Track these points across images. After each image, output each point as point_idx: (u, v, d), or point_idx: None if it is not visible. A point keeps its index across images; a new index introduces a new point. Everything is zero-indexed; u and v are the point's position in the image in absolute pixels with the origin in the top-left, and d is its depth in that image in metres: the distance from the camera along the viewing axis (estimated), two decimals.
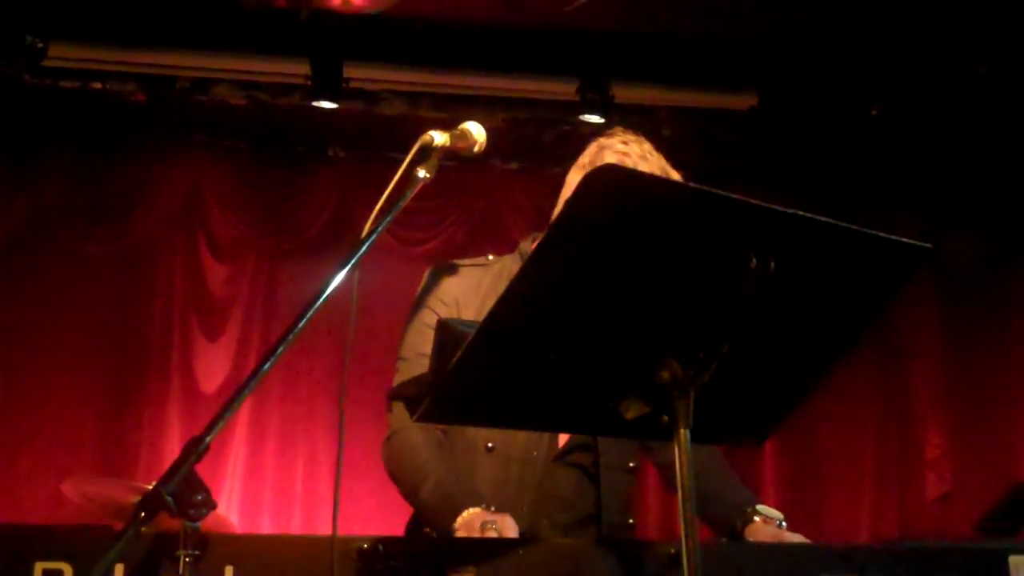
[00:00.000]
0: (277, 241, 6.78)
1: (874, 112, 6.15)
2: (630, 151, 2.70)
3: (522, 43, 5.77)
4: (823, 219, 1.64)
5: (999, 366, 7.25)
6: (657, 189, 1.47)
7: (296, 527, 6.33)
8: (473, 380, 1.60)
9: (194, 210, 6.69)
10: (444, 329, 1.69)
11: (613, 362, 1.69)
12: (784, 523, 2.56)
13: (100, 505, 4.82)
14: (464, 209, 6.76)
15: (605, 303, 1.61)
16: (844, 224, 1.67)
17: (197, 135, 6.56)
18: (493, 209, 6.85)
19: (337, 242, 6.69)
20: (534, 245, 2.79)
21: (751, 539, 2.53)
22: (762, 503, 2.63)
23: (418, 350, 2.66)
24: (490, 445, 2.60)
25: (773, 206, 1.60)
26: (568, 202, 1.46)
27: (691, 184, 1.49)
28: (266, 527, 6.29)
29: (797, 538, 2.49)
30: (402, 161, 2.34)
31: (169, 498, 1.75)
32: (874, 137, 6.33)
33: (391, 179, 2.33)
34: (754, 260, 1.62)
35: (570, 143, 2.84)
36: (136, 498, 4.53)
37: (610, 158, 2.71)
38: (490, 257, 2.86)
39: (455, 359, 1.55)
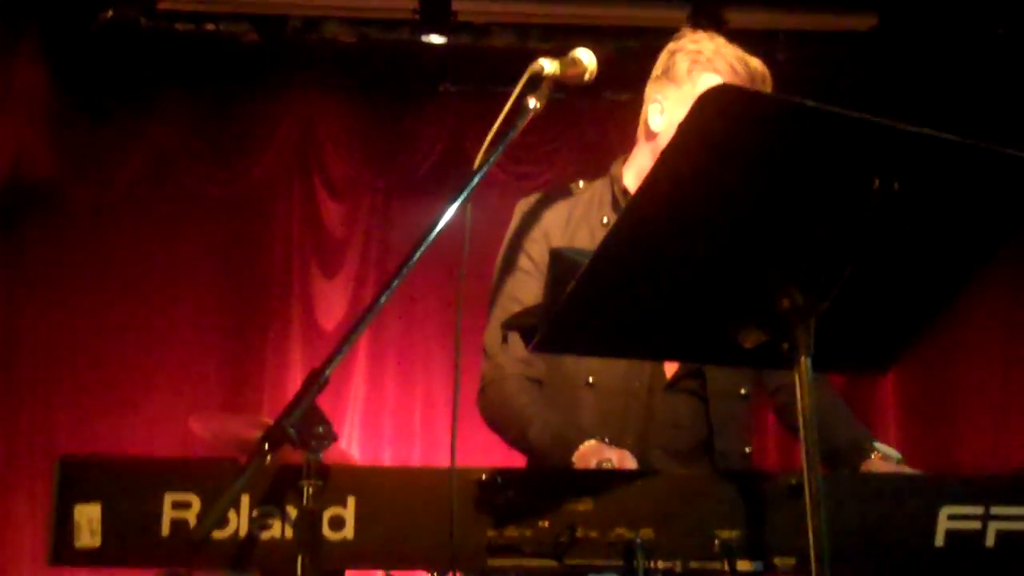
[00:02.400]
0: (391, 178, 6.81)
1: (1000, 31, 5.89)
2: (702, 48, 2.64)
3: None
4: (948, 136, 1.57)
5: None
6: (773, 109, 1.42)
7: (416, 461, 6.43)
8: (588, 309, 1.59)
9: (309, 149, 6.75)
10: (558, 258, 1.67)
11: (730, 289, 1.66)
12: (902, 460, 2.51)
13: (226, 440, 4.95)
14: (576, 141, 6.70)
15: (721, 228, 1.58)
16: (970, 141, 1.61)
17: (309, 74, 6.60)
18: (605, 141, 6.76)
19: (449, 177, 6.70)
20: (623, 168, 2.77)
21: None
22: (877, 439, 2.58)
23: (511, 295, 2.65)
24: (591, 380, 2.57)
25: (895, 124, 1.54)
26: (681, 125, 1.43)
27: (808, 103, 1.44)
28: (387, 460, 6.40)
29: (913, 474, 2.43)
30: (511, 93, 2.32)
31: (292, 430, 1.79)
32: (1000, 57, 6.07)
33: (500, 111, 2.31)
34: (877, 181, 1.57)
35: None
36: (261, 433, 4.64)
37: (682, 62, 2.65)
38: (580, 184, 2.82)
39: (569, 288, 1.54)
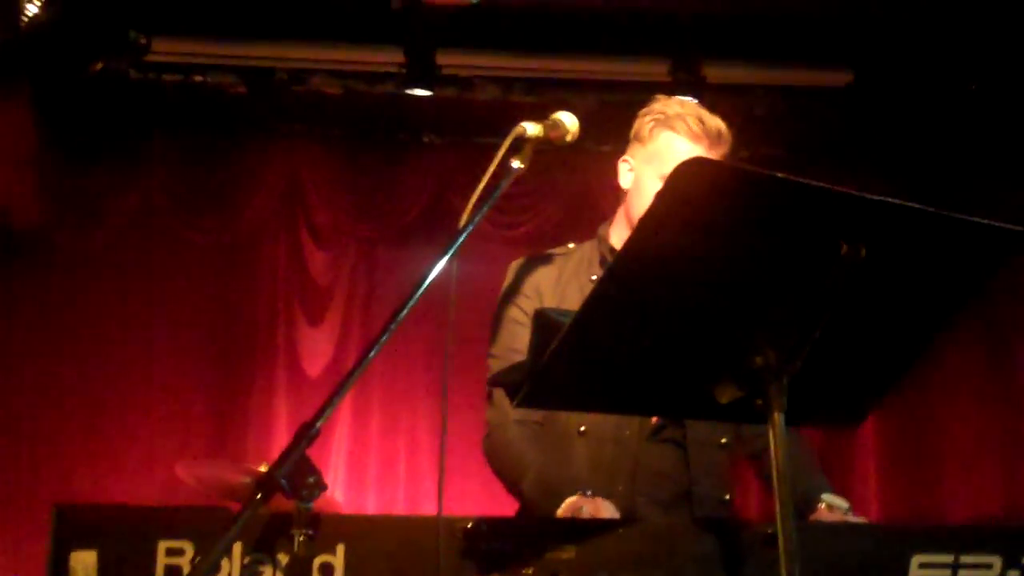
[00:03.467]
0: (375, 227, 6.89)
1: (972, 87, 6.03)
2: (665, 109, 2.84)
3: (612, 26, 5.78)
4: (913, 205, 1.66)
5: None
6: (744, 180, 1.51)
7: (400, 507, 6.47)
8: (569, 367, 1.66)
9: (294, 199, 6.83)
10: (541, 318, 1.75)
11: (706, 348, 1.74)
12: (850, 512, 2.59)
13: (212, 487, 4.99)
14: (557, 193, 6.80)
15: (696, 291, 1.66)
16: (935, 209, 1.69)
17: (295, 125, 6.69)
18: (586, 192, 6.86)
19: (434, 227, 6.79)
20: (610, 228, 2.89)
21: None
22: (833, 491, 2.65)
23: (509, 346, 2.77)
24: (582, 429, 2.69)
25: (862, 193, 1.63)
26: (657, 195, 1.52)
27: (778, 174, 1.53)
28: (371, 506, 6.44)
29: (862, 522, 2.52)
30: (496, 147, 2.41)
31: (283, 481, 1.85)
32: (973, 112, 6.21)
33: (485, 165, 2.40)
34: (844, 247, 1.66)
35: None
36: (246, 479, 4.68)
37: (647, 123, 2.87)
38: (571, 245, 2.95)
39: (552, 347, 1.62)
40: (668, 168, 2.62)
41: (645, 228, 1.54)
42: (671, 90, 5.86)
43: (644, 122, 2.88)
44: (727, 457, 2.84)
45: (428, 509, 6.43)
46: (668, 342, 1.70)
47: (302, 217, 6.85)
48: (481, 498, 5.16)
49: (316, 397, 6.63)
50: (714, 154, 2.77)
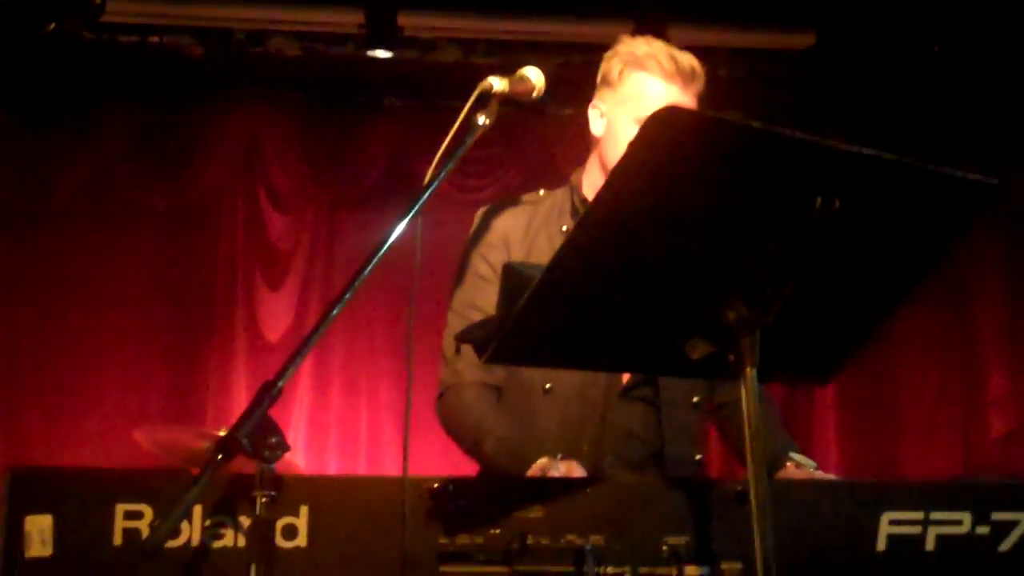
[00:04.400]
0: (335, 191, 6.83)
1: (936, 48, 6.03)
2: (633, 49, 2.77)
3: None
4: (888, 156, 1.63)
5: None
6: (719, 130, 1.47)
7: (361, 469, 6.44)
8: (539, 322, 1.62)
9: (253, 162, 6.74)
10: (510, 272, 1.71)
11: (678, 303, 1.71)
12: (817, 471, 2.57)
13: (172, 451, 4.93)
14: (519, 155, 6.76)
15: (669, 244, 1.63)
16: (910, 161, 1.67)
17: (254, 87, 6.59)
18: (548, 156, 6.82)
19: (395, 191, 6.73)
20: (583, 176, 2.83)
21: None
22: (800, 447, 2.64)
23: (468, 302, 2.70)
24: (547, 387, 2.62)
25: (837, 144, 1.60)
26: (629, 145, 1.48)
27: (753, 123, 1.49)
28: (332, 469, 6.40)
29: (831, 479, 2.51)
30: (458, 109, 2.36)
31: (245, 441, 1.81)
32: (936, 74, 6.21)
33: (447, 127, 2.36)
34: (819, 199, 1.63)
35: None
36: (206, 444, 4.62)
37: (616, 66, 2.79)
38: (541, 192, 2.88)
39: (522, 302, 1.58)
40: (642, 110, 2.62)
41: (617, 179, 1.50)
42: None
43: (612, 64, 2.78)
44: (699, 416, 2.79)
45: (390, 471, 6.39)
46: (639, 296, 1.66)
47: (261, 181, 6.77)
48: (445, 458, 5.11)
49: (276, 362, 6.51)
50: (689, 92, 2.70)
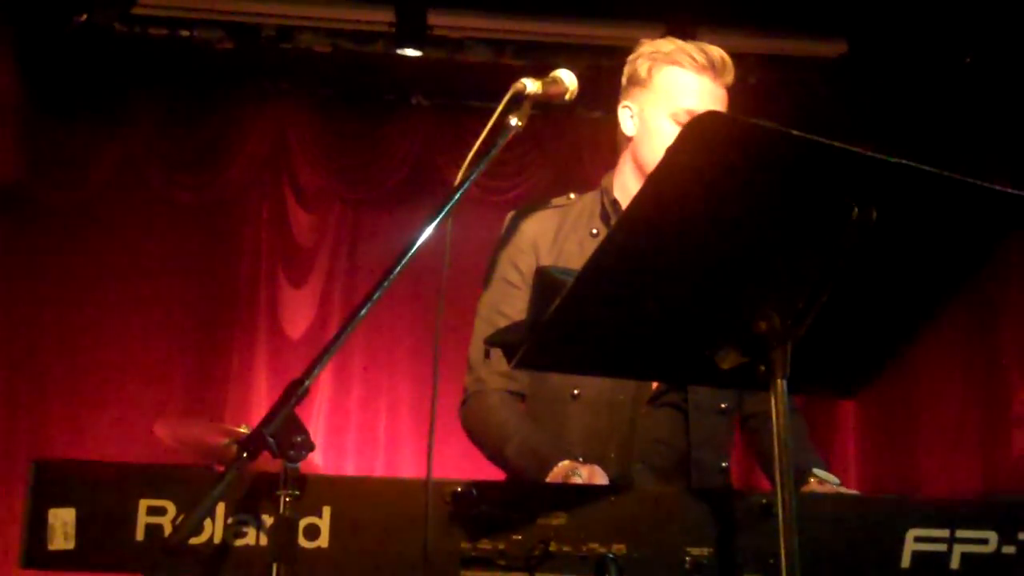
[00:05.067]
0: (361, 189, 6.83)
1: (967, 60, 5.99)
2: (659, 47, 2.74)
3: None
4: (927, 168, 1.61)
5: None
6: (759, 136, 1.45)
7: (379, 471, 6.43)
8: (570, 327, 1.61)
9: (279, 158, 6.76)
10: (543, 276, 1.70)
11: (710, 311, 1.69)
12: (841, 487, 2.54)
13: (191, 446, 4.93)
14: (547, 158, 6.74)
15: (704, 251, 1.61)
16: (948, 173, 1.64)
17: (282, 83, 6.61)
18: (576, 158, 6.82)
19: (420, 190, 6.73)
20: (613, 179, 2.80)
21: None
22: (825, 463, 2.61)
23: (494, 307, 2.68)
24: (576, 392, 2.60)
25: (875, 154, 1.58)
26: (669, 149, 1.46)
27: (793, 132, 1.47)
28: (350, 470, 6.40)
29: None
30: (486, 109, 2.35)
31: (271, 439, 1.80)
32: (967, 86, 6.17)
33: (475, 127, 2.34)
34: (856, 210, 1.60)
35: None
36: (226, 440, 4.62)
37: (643, 64, 2.74)
38: (571, 196, 2.85)
39: (553, 306, 1.56)
40: (677, 104, 2.62)
41: (655, 182, 1.49)
42: None
43: (640, 64, 2.75)
44: (727, 423, 2.77)
45: (408, 472, 6.39)
46: (672, 304, 1.65)
47: (287, 177, 6.78)
48: (467, 462, 5.08)
49: (297, 359, 6.59)
50: (720, 83, 2.68)
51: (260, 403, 6.52)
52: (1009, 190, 1.71)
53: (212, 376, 6.62)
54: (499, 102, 2.35)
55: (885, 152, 1.60)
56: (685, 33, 5.85)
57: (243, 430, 4.64)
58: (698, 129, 1.42)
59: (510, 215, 2.81)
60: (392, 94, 6.70)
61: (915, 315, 1.88)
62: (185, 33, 5.85)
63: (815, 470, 2.54)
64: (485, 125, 2.33)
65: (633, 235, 1.53)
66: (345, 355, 6.58)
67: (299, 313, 6.75)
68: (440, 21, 5.77)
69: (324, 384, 6.54)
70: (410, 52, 5.79)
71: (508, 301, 2.69)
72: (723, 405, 2.71)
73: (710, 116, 1.41)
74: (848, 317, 1.79)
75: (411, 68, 6.13)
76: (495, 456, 2.62)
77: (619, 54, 5.94)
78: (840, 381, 1.98)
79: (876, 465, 6.87)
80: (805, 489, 2.51)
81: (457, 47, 5.92)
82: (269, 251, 6.78)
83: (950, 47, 6.01)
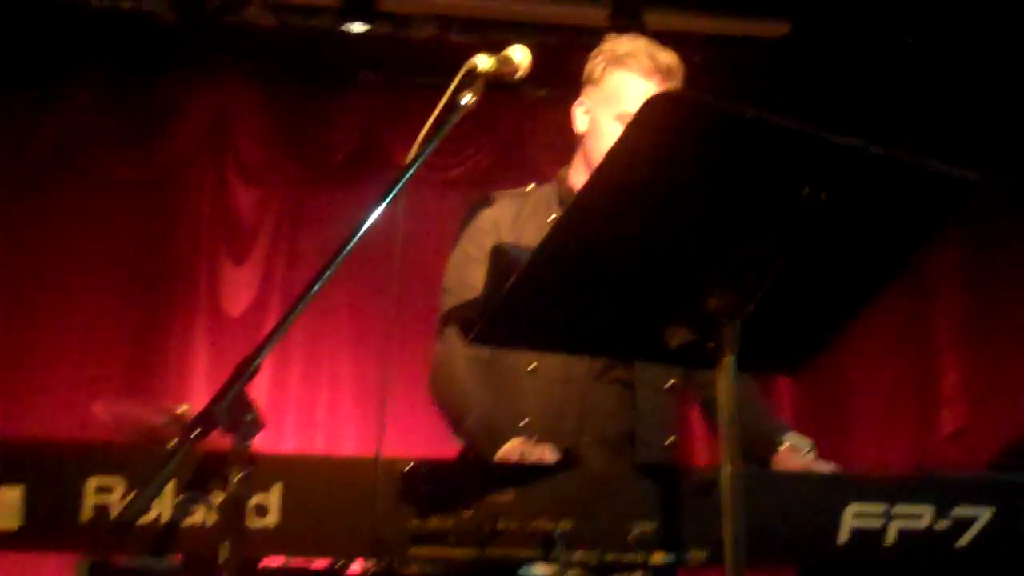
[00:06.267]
0: (305, 165, 6.77)
1: (909, 41, 6.06)
2: (615, 48, 2.85)
3: None
4: (876, 149, 1.64)
5: (1021, 302, 7.23)
6: (715, 117, 1.47)
7: (319, 447, 6.40)
8: (525, 304, 1.62)
9: (222, 134, 6.67)
10: (499, 253, 1.71)
11: (662, 288, 1.71)
12: (813, 448, 2.60)
13: (130, 426, 4.87)
14: (490, 135, 6.72)
15: (656, 230, 1.62)
16: (897, 154, 1.67)
17: (226, 57, 6.53)
18: (519, 136, 6.82)
19: (365, 168, 6.69)
20: (570, 171, 2.86)
21: (777, 467, 2.57)
22: (793, 431, 2.66)
23: (461, 281, 2.76)
24: (532, 367, 2.68)
25: (826, 134, 1.60)
26: (625, 130, 1.48)
27: (747, 112, 1.49)
28: (289, 446, 6.36)
29: (827, 466, 2.52)
30: (431, 85, 2.36)
31: (223, 417, 1.79)
32: (908, 67, 6.25)
33: (421, 104, 2.34)
34: (806, 190, 1.63)
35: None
36: (166, 419, 4.59)
37: (599, 64, 2.86)
38: (531, 186, 2.95)
39: (509, 283, 1.57)
40: (624, 107, 2.73)
41: (611, 163, 1.50)
42: (610, 34, 5.83)
43: (595, 63, 2.88)
44: (673, 401, 2.84)
45: (348, 451, 6.38)
46: (624, 282, 1.66)
47: (230, 153, 6.70)
48: (410, 441, 5.08)
49: (237, 337, 6.54)
50: (669, 88, 2.77)
51: (199, 381, 6.47)
52: (956, 170, 1.74)
53: (150, 353, 6.52)
54: (446, 78, 2.36)
55: (827, 131, 1.62)
56: (631, 12, 5.89)
57: (183, 410, 4.61)
58: (653, 109, 1.44)
59: (473, 202, 2.92)
60: (338, 70, 6.64)
61: (859, 293, 1.92)
62: (127, 4, 5.75)
63: (786, 436, 2.60)
64: (432, 102, 2.33)
65: (587, 214, 1.54)
66: (286, 334, 6.51)
67: (240, 291, 6.68)
68: None
69: (264, 364, 6.46)
70: (357, 27, 5.75)
71: (472, 274, 2.77)
72: (671, 382, 2.78)
73: (666, 96, 1.42)
74: (795, 295, 1.82)
75: (357, 44, 6.08)
76: (455, 425, 2.68)
77: (566, 32, 6.03)
78: (785, 358, 2.01)
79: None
80: (776, 457, 2.56)
81: (404, 23, 5.89)
82: (210, 227, 6.69)
83: (892, 28, 6.09)
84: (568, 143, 6.64)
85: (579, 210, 1.54)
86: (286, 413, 6.55)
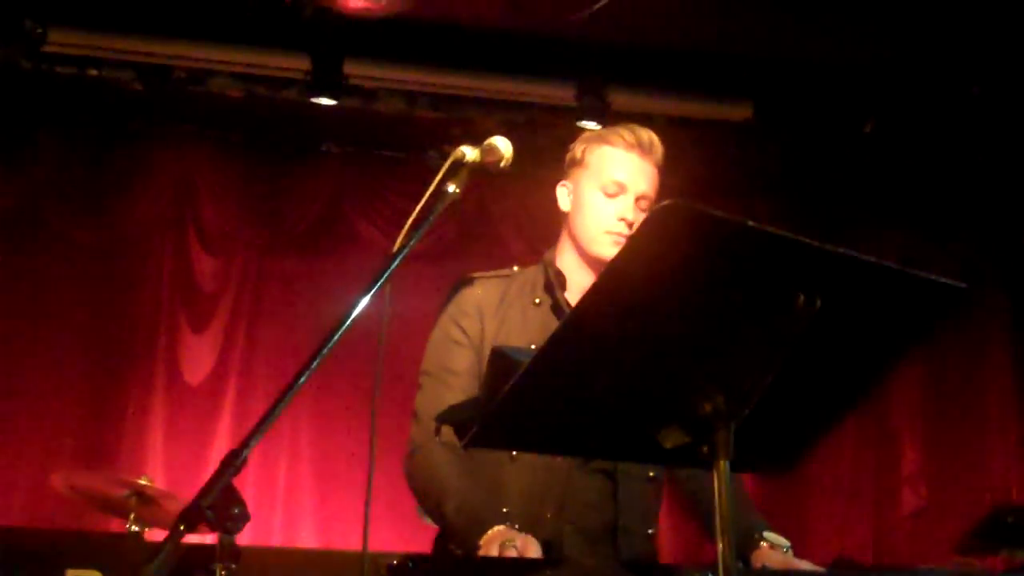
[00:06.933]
0: (267, 235, 6.76)
1: (867, 129, 6.20)
2: (595, 131, 2.96)
3: (522, 47, 5.79)
4: (869, 259, 1.66)
5: (976, 384, 7.34)
6: (719, 227, 1.48)
7: (277, 524, 6.31)
8: (524, 408, 1.61)
9: (185, 201, 6.66)
10: (498, 357, 1.71)
11: (657, 393, 1.71)
12: (790, 550, 2.60)
13: (88, 497, 4.81)
14: (454, 210, 6.73)
15: (654, 336, 1.63)
16: (888, 264, 1.70)
17: (192, 126, 6.53)
18: (484, 211, 6.85)
19: (327, 238, 6.71)
20: (555, 253, 2.88)
21: (757, 564, 2.56)
22: (771, 528, 2.67)
23: (442, 365, 2.76)
24: (514, 453, 2.66)
25: (823, 245, 1.62)
26: (632, 237, 1.49)
27: (750, 223, 1.51)
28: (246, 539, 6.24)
29: (805, 564, 2.52)
30: (396, 159, 2.39)
31: (209, 511, 1.77)
32: (867, 153, 6.38)
33: (384, 177, 2.38)
34: (802, 297, 1.65)
35: (565, 148, 3.00)
36: (125, 491, 4.52)
37: (580, 146, 2.91)
38: (515, 268, 2.97)
39: (508, 387, 1.57)
40: (607, 177, 2.80)
41: (613, 269, 1.51)
42: (576, 114, 5.91)
43: (578, 145, 2.94)
44: (655, 490, 2.84)
45: (307, 530, 6.30)
46: (621, 386, 1.66)
47: (191, 221, 6.68)
48: (384, 533, 4.98)
49: (196, 406, 6.46)
50: (648, 160, 2.84)
51: (156, 450, 6.37)
52: (943, 280, 1.77)
53: (106, 421, 6.43)
54: (411, 152, 2.40)
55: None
56: (596, 91, 5.97)
57: (143, 482, 4.54)
58: (660, 217, 1.45)
59: (456, 284, 2.92)
60: (304, 141, 6.67)
61: (849, 395, 1.93)
62: (94, 72, 5.74)
63: (765, 533, 2.61)
64: (397, 174, 2.37)
65: (589, 319, 1.55)
66: (246, 404, 6.46)
67: (199, 359, 6.63)
68: (355, 71, 5.77)
69: (223, 434, 6.40)
70: (325, 101, 5.77)
71: (455, 359, 2.78)
72: (651, 473, 2.80)
73: (672, 206, 1.44)
74: (788, 398, 1.83)
75: (324, 116, 6.10)
76: (434, 512, 2.65)
77: (531, 110, 6.08)
78: (775, 458, 2.02)
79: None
80: (757, 554, 2.56)
81: (371, 97, 5.92)
82: (170, 294, 6.65)
83: (852, 115, 6.22)
84: (531, 217, 6.69)
85: (581, 314, 1.55)
86: (244, 487, 6.41)
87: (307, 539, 6.16)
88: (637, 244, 1.47)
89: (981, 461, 7.21)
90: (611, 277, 1.51)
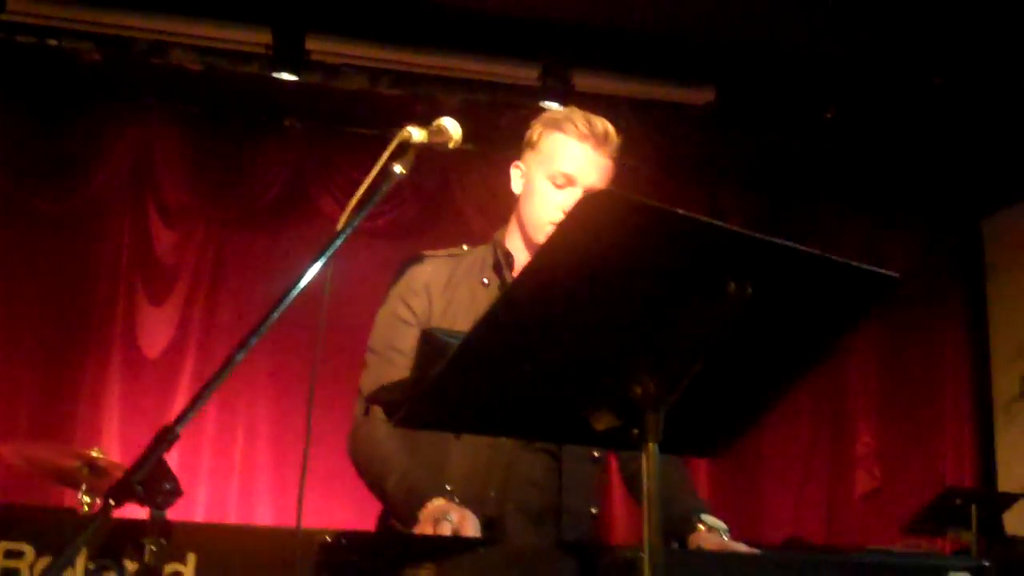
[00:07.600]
0: (227, 209, 6.73)
1: (828, 115, 6.23)
2: (553, 115, 2.87)
3: (486, 26, 5.78)
4: (800, 248, 1.68)
5: (931, 366, 7.43)
6: (649, 215, 1.49)
7: (233, 498, 6.30)
8: (453, 390, 1.62)
9: (145, 174, 6.63)
10: (428, 339, 1.71)
11: (589, 375, 1.72)
12: (728, 533, 2.62)
13: (40, 468, 4.79)
14: (416, 188, 6.74)
15: (585, 320, 1.64)
16: (820, 253, 1.71)
17: (151, 98, 6.48)
18: (445, 189, 6.85)
19: (287, 212, 6.68)
20: (505, 233, 2.88)
21: (692, 547, 2.59)
22: (710, 511, 2.69)
23: (388, 343, 2.75)
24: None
25: (753, 233, 1.63)
26: (561, 225, 1.50)
27: (678, 211, 1.52)
28: (202, 496, 6.24)
29: (740, 547, 2.54)
30: (357, 135, 2.38)
31: (139, 487, 1.77)
32: (827, 139, 6.42)
33: (346, 153, 2.38)
34: (733, 284, 1.66)
35: (527, 128, 2.98)
36: (77, 463, 4.51)
37: (536, 129, 2.87)
38: (464, 247, 2.96)
39: (438, 369, 1.57)
40: (556, 167, 2.77)
41: (543, 255, 1.52)
42: (539, 94, 5.91)
43: (534, 129, 2.91)
44: (598, 470, 2.86)
45: (263, 504, 6.29)
46: (552, 368, 1.67)
47: (151, 193, 6.65)
48: (330, 509, 4.99)
49: (153, 378, 6.44)
50: (601, 153, 2.80)
51: (112, 423, 6.35)
52: (875, 269, 1.79)
53: (62, 393, 6.41)
54: (373, 129, 2.40)
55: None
56: (560, 73, 5.97)
57: (95, 454, 4.53)
58: (590, 205, 1.46)
59: (406, 262, 2.90)
60: (265, 116, 6.63)
61: (780, 381, 1.95)
62: (53, 42, 5.68)
63: (703, 516, 2.62)
64: (358, 151, 2.37)
65: (519, 303, 1.56)
66: (203, 378, 6.42)
67: (157, 332, 6.61)
68: (318, 46, 5.74)
69: (180, 407, 6.36)
70: (286, 76, 5.74)
71: (401, 337, 2.76)
72: (595, 453, 2.81)
73: (602, 195, 1.45)
74: (719, 382, 1.85)
75: (286, 91, 6.07)
76: (374, 487, 2.65)
77: (494, 89, 6.07)
78: (705, 442, 2.04)
79: (724, 499, 7.04)
80: (694, 537, 2.58)
81: (333, 73, 5.89)
82: (129, 267, 6.62)
83: (814, 101, 6.25)
84: (494, 196, 6.67)
85: (511, 298, 1.56)
86: (200, 460, 6.44)
87: (263, 516, 6.16)
88: (566, 231, 1.48)
89: (935, 444, 7.31)
90: (542, 262, 1.52)
